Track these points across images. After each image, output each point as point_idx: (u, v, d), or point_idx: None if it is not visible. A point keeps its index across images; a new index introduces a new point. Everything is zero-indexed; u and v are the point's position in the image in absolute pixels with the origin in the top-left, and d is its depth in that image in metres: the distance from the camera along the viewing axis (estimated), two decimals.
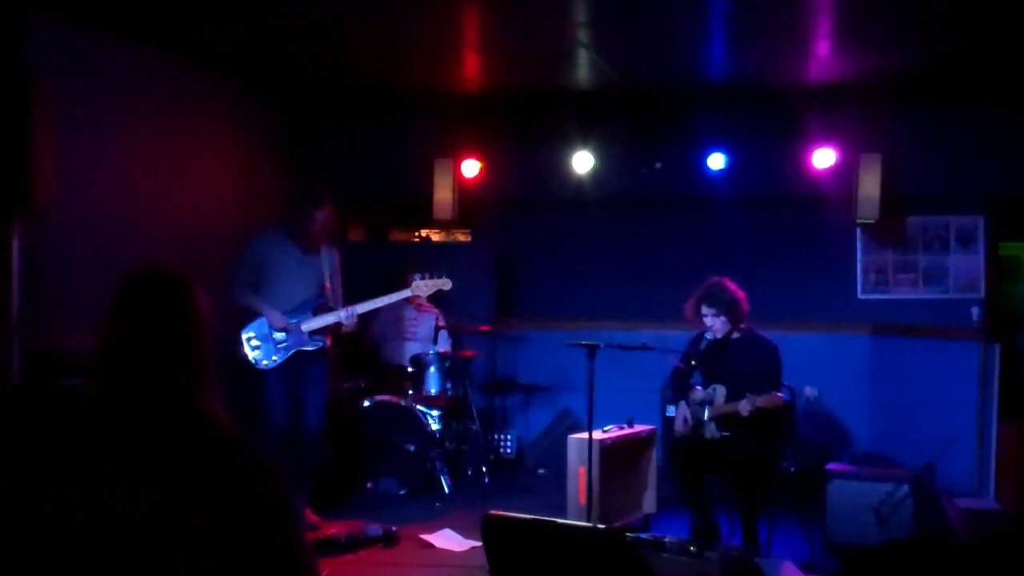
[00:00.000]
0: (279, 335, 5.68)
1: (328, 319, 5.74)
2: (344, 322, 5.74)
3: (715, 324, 5.57)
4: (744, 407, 5.27)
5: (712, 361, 5.65)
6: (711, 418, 5.52)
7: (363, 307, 5.81)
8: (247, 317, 5.71)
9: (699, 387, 5.66)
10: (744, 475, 5.34)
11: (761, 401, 5.20)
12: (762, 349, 5.57)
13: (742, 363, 5.50)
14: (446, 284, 6.00)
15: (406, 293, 6.00)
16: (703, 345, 5.68)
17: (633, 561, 2.74)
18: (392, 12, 5.57)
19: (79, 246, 5.40)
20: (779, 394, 5.26)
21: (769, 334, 5.70)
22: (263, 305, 5.67)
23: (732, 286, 5.58)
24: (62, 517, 1.63)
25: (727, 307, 5.53)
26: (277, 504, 1.70)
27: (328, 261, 5.84)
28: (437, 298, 6.46)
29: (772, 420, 5.42)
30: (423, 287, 5.98)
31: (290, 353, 5.68)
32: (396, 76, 7.16)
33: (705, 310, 5.57)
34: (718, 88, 7.30)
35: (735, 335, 5.62)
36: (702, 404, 5.58)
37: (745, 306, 5.58)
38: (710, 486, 5.55)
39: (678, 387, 5.82)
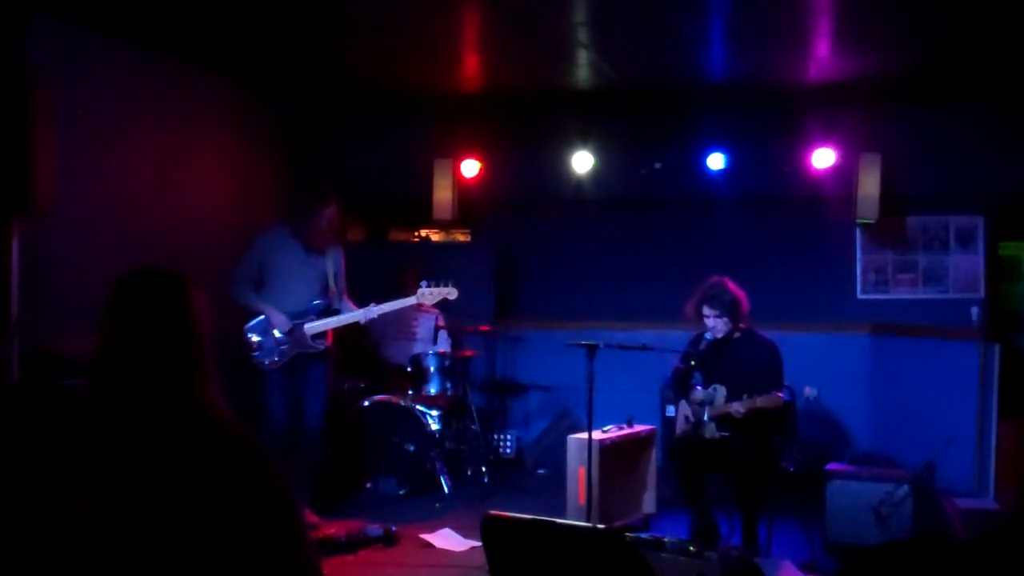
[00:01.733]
0: (280, 336, 5.66)
1: (343, 319, 5.74)
2: (363, 322, 5.78)
3: (717, 325, 5.57)
4: (736, 409, 5.28)
5: (712, 361, 5.65)
6: (711, 418, 5.52)
7: (380, 309, 5.80)
8: (249, 316, 5.71)
9: (699, 387, 5.66)
10: (744, 475, 5.34)
11: (761, 401, 5.20)
12: (762, 349, 5.57)
13: (742, 363, 5.50)
14: (452, 293, 5.93)
15: (411, 301, 5.94)
16: (703, 345, 5.68)
17: (633, 561, 2.74)
18: (392, 12, 5.57)
19: (79, 246, 5.40)
20: (779, 394, 5.26)
21: (769, 334, 5.70)
22: (266, 305, 5.65)
23: (733, 286, 5.58)
24: (64, 516, 1.63)
25: (728, 308, 5.53)
26: (278, 495, 1.71)
27: (333, 260, 5.82)
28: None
29: (771, 420, 5.42)
30: (428, 295, 5.91)
31: (292, 355, 5.67)
32: (396, 76, 7.16)
33: (707, 311, 5.57)
34: (718, 88, 7.30)
35: (736, 335, 5.62)
36: (702, 404, 5.58)
37: (746, 306, 5.58)
38: (710, 486, 5.55)
39: (679, 387, 5.82)
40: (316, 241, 5.70)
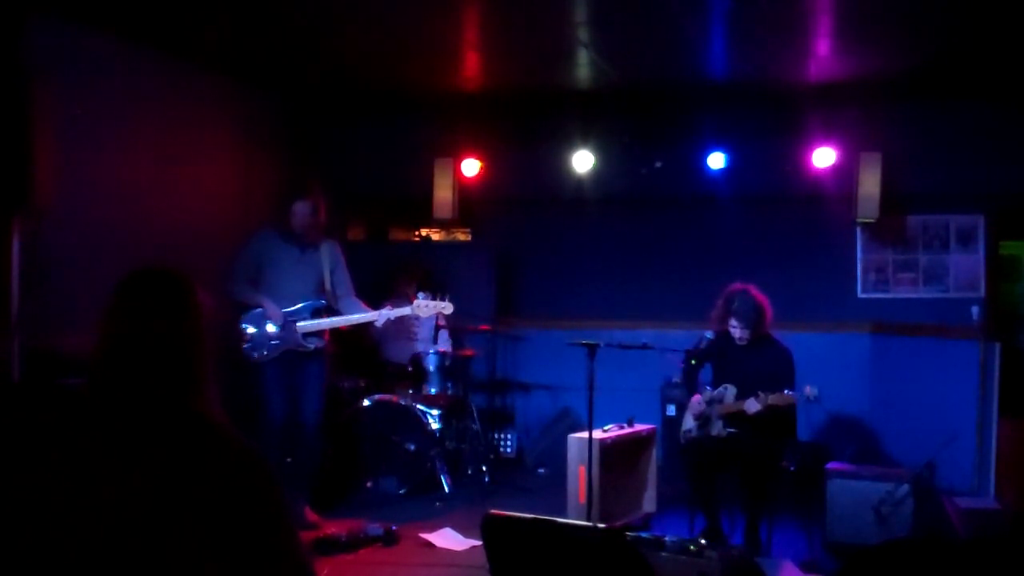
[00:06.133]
0: (272, 330, 5.65)
1: (354, 319, 5.74)
2: (379, 324, 5.82)
3: (743, 335, 5.58)
4: (751, 406, 5.28)
5: (725, 361, 5.66)
6: (719, 416, 5.53)
7: (393, 313, 5.79)
8: (244, 309, 5.71)
9: (708, 387, 5.68)
10: (751, 474, 5.35)
11: (773, 399, 5.22)
12: (777, 353, 5.58)
13: (756, 365, 5.50)
14: (447, 308, 5.93)
15: (406, 310, 5.94)
16: (710, 345, 5.70)
17: (633, 561, 2.74)
18: (392, 12, 5.57)
19: (79, 245, 5.40)
20: (790, 393, 5.26)
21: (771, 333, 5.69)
22: (263, 298, 5.64)
23: (757, 295, 5.59)
24: (56, 513, 1.63)
25: (754, 320, 5.54)
26: (270, 500, 1.70)
27: (329, 256, 5.81)
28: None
29: (781, 420, 5.44)
30: (423, 308, 5.92)
31: (282, 350, 5.66)
32: (396, 76, 7.16)
33: (734, 323, 5.57)
34: (718, 88, 7.30)
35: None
36: (711, 403, 5.59)
37: (770, 315, 5.60)
38: (718, 486, 5.55)
39: (688, 386, 5.83)
40: (306, 236, 5.69)
